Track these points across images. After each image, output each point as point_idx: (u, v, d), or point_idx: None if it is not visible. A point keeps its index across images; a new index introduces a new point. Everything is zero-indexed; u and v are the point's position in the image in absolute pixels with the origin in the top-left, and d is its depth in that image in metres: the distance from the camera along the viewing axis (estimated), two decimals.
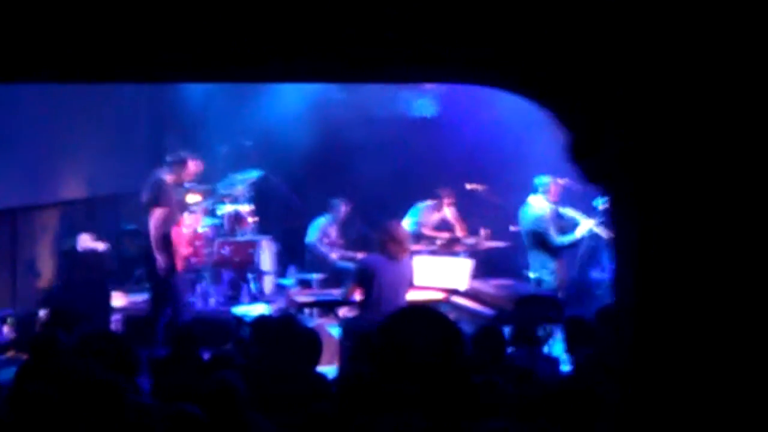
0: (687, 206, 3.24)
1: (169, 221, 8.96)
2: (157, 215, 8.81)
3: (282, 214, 12.94)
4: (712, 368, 3.09)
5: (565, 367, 6.83)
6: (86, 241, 9.99)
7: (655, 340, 3.28)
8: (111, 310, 9.65)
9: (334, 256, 11.28)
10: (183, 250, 9.31)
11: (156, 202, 8.84)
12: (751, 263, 2.99)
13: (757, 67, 3.00)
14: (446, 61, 3.50)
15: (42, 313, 9.21)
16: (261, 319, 6.67)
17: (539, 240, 9.34)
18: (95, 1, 3.34)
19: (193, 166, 9.30)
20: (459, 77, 3.91)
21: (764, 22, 2.91)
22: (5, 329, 8.80)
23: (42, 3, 3.36)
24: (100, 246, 10.08)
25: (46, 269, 10.35)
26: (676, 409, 3.26)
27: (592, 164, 3.44)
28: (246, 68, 3.70)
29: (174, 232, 9.03)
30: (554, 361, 7.19)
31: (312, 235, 11.42)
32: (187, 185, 9.88)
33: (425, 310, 2.54)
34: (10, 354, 8.54)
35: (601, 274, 10.15)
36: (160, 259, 8.86)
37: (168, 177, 9.05)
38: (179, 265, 9.11)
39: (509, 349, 6.47)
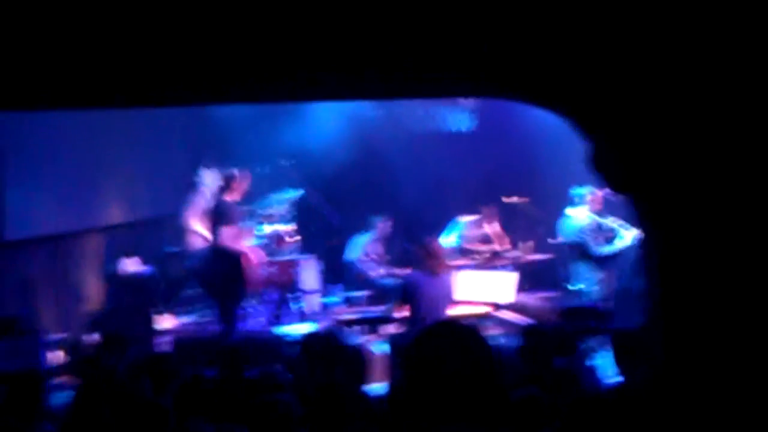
0: (709, 214, 3.25)
1: (237, 239, 8.99)
2: (225, 234, 8.81)
3: (324, 232, 12.99)
4: (745, 373, 3.08)
5: (613, 380, 6.79)
6: (130, 265, 10.09)
7: (686, 349, 3.28)
8: (158, 332, 9.73)
9: (381, 272, 11.28)
10: (255, 270, 9.36)
11: (221, 221, 8.85)
12: None
13: None
14: (470, 76, 3.53)
15: (90, 337, 9.32)
16: (308, 338, 6.69)
17: (580, 251, 9.31)
18: (127, 26, 3.42)
19: (245, 182, 9.33)
20: (481, 91, 3.95)
21: None
22: (58, 353, 8.91)
23: (82, 33, 3.44)
24: (144, 269, 10.17)
25: (94, 293, 10.47)
26: (711, 414, 3.25)
27: (614, 173, 3.46)
28: (273, 88, 3.76)
29: (246, 251, 9.09)
30: (597, 373, 7.16)
31: (352, 252, 11.44)
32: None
33: (454, 325, 2.53)
34: (63, 378, 8.64)
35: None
36: (238, 275, 8.86)
37: (228, 196, 9.07)
38: (253, 284, 9.18)
39: (554, 360, 6.46)
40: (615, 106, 3.34)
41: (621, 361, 5.73)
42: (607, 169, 3.47)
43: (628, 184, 3.47)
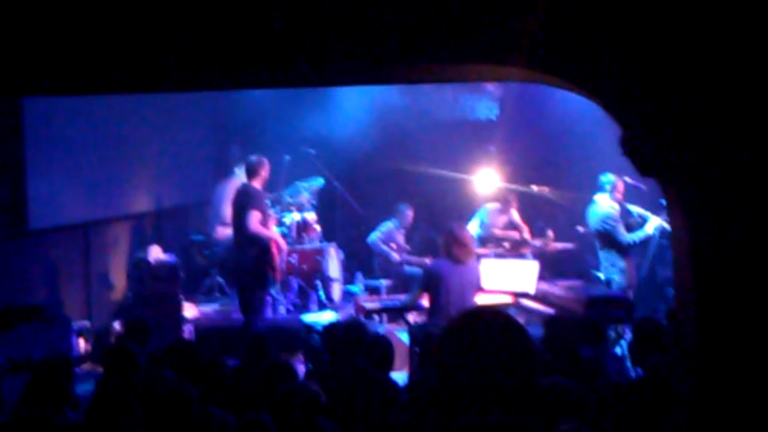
0: (738, 199, 3.20)
1: (266, 225, 8.98)
2: (254, 218, 8.80)
3: (346, 220, 13.00)
4: None
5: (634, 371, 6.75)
6: (156, 253, 10.13)
7: (718, 336, 3.24)
8: (182, 320, 9.77)
9: (396, 256, 11.28)
10: (280, 258, 9.38)
11: (249, 205, 8.84)
12: None
13: None
14: (501, 58, 3.50)
15: (116, 325, 9.38)
16: (331, 327, 6.68)
17: (608, 239, 9.23)
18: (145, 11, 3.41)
19: (267, 168, 9.31)
20: (511, 74, 3.92)
21: None
22: (81, 342, 8.98)
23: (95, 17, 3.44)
24: (169, 257, 10.22)
25: (119, 282, 10.55)
26: (743, 405, 3.21)
27: (644, 158, 3.43)
28: (294, 71, 3.74)
29: (275, 237, 9.09)
30: (622, 361, 7.12)
31: (374, 234, 11.43)
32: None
33: (491, 311, 2.48)
34: (86, 366, 8.71)
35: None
36: (267, 260, 8.91)
37: (255, 182, 9.06)
38: (277, 273, 9.19)
39: (581, 348, 6.43)
40: (646, 89, 3.31)
41: (639, 350, 5.69)
42: (637, 153, 3.43)
43: (658, 169, 3.43)
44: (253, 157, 9.15)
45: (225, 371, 5.75)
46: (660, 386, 5.05)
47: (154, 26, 3.45)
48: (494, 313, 2.46)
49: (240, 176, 11.07)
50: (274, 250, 8.95)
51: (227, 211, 9.75)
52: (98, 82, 3.91)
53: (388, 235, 11.43)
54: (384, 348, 6.13)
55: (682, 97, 3.27)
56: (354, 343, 6.15)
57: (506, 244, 11.29)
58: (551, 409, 4.49)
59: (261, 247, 8.81)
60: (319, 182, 11.78)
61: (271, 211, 9.94)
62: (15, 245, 8.30)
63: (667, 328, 5.82)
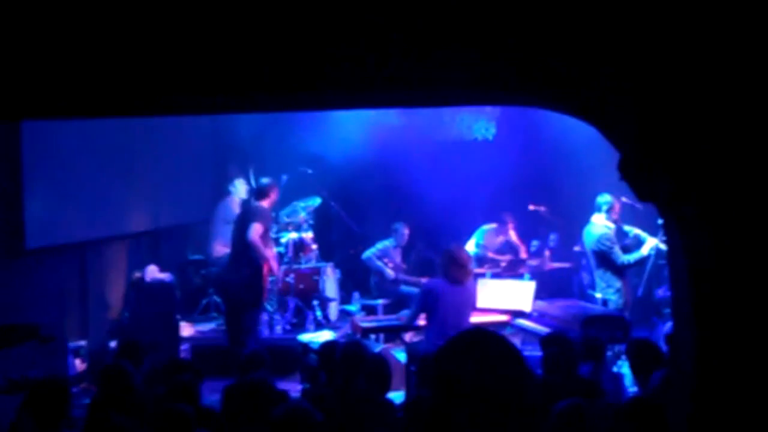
0: (738, 221, 3.22)
1: (266, 242, 9.00)
2: (255, 230, 8.82)
3: (343, 240, 13.01)
4: None
5: (632, 389, 6.75)
6: (153, 272, 10.13)
7: (718, 358, 3.24)
8: (180, 339, 9.76)
9: (390, 272, 11.27)
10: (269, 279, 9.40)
11: (253, 219, 8.86)
12: None
13: None
14: (499, 83, 3.52)
15: (112, 344, 9.37)
16: (328, 346, 6.68)
17: (604, 259, 9.24)
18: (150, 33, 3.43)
19: (276, 191, 9.38)
20: (509, 98, 3.94)
21: None
22: (77, 361, 8.96)
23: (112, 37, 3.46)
24: (166, 276, 10.22)
25: (115, 301, 10.53)
26: (743, 425, 3.21)
27: (642, 182, 3.44)
28: (289, 96, 3.76)
29: (270, 257, 9.11)
30: (619, 379, 7.12)
31: (369, 251, 11.44)
32: None
33: (487, 333, 2.49)
34: (83, 386, 8.69)
35: (668, 292, 9.99)
36: (259, 271, 8.89)
37: (264, 203, 9.11)
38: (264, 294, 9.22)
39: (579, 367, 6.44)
40: (643, 114, 3.33)
41: (636, 369, 5.70)
42: (635, 177, 3.45)
43: (656, 193, 3.45)
44: (265, 180, 9.29)
45: (221, 390, 5.74)
46: (657, 406, 5.06)
47: (150, 49, 3.47)
48: (490, 334, 2.46)
49: (235, 195, 11.11)
50: (265, 271, 8.98)
51: (223, 229, 9.78)
52: (95, 106, 3.92)
53: (384, 252, 11.44)
54: (382, 369, 6.12)
55: (680, 122, 3.28)
56: (353, 363, 6.13)
57: (503, 264, 11.31)
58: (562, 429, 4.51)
59: (255, 267, 8.83)
60: (315, 201, 11.81)
61: (271, 233, 9.96)
62: (12, 265, 8.29)
63: (665, 348, 5.83)
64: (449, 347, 2.41)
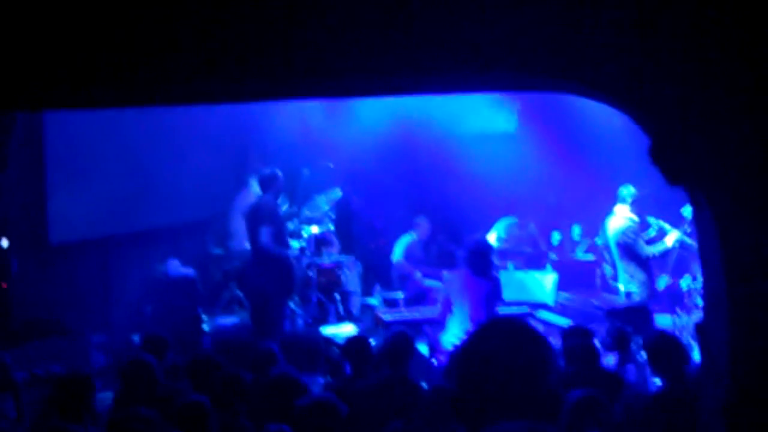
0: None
1: (281, 240, 8.99)
2: (266, 234, 8.81)
3: (364, 233, 12.99)
4: None
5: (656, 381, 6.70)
6: (176, 267, 10.15)
7: (752, 346, 3.20)
8: (202, 333, 9.77)
9: (419, 275, 11.24)
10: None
11: (262, 222, 8.85)
12: None
13: None
14: (530, 68, 3.49)
15: (135, 338, 9.39)
16: (357, 340, 6.66)
17: (628, 251, 9.16)
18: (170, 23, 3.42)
19: (281, 181, 9.33)
20: (540, 84, 3.90)
21: None
22: (101, 356, 8.99)
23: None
24: (188, 271, 10.23)
25: (138, 295, 10.55)
26: None
27: (673, 166, 3.41)
28: (311, 83, 3.74)
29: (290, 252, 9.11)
30: (643, 371, 7.07)
31: (398, 253, 11.41)
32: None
33: (510, 322, 2.48)
34: (106, 379, 8.71)
35: (693, 283, 9.92)
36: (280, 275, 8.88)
37: (269, 195, 9.08)
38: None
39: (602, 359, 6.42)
40: (674, 97, 3.30)
41: (658, 361, 5.65)
42: (666, 161, 3.41)
43: (687, 176, 3.41)
44: (267, 170, 9.17)
45: (244, 383, 5.73)
46: (682, 397, 5.02)
47: (159, 37, 3.46)
48: (513, 323, 2.45)
49: (255, 187, 11.09)
50: (289, 265, 8.98)
51: (242, 224, 9.78)
52: (101, 96, 3.91)
53: (410, 251, 11.37)
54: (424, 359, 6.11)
55: (711, 104, 3.25)
56: (401, 352, 6.08)
57: (525, 255, 11.26)
58: (576, 420, 4.48)
59: (277, 260, 8.82)
60: (337, 194, 11.78)
61: (292, 225, 9.96)
62: (36, 260, 8.34)
63: (695, 339, 5.77)
64: (474, 338, 2.40)
